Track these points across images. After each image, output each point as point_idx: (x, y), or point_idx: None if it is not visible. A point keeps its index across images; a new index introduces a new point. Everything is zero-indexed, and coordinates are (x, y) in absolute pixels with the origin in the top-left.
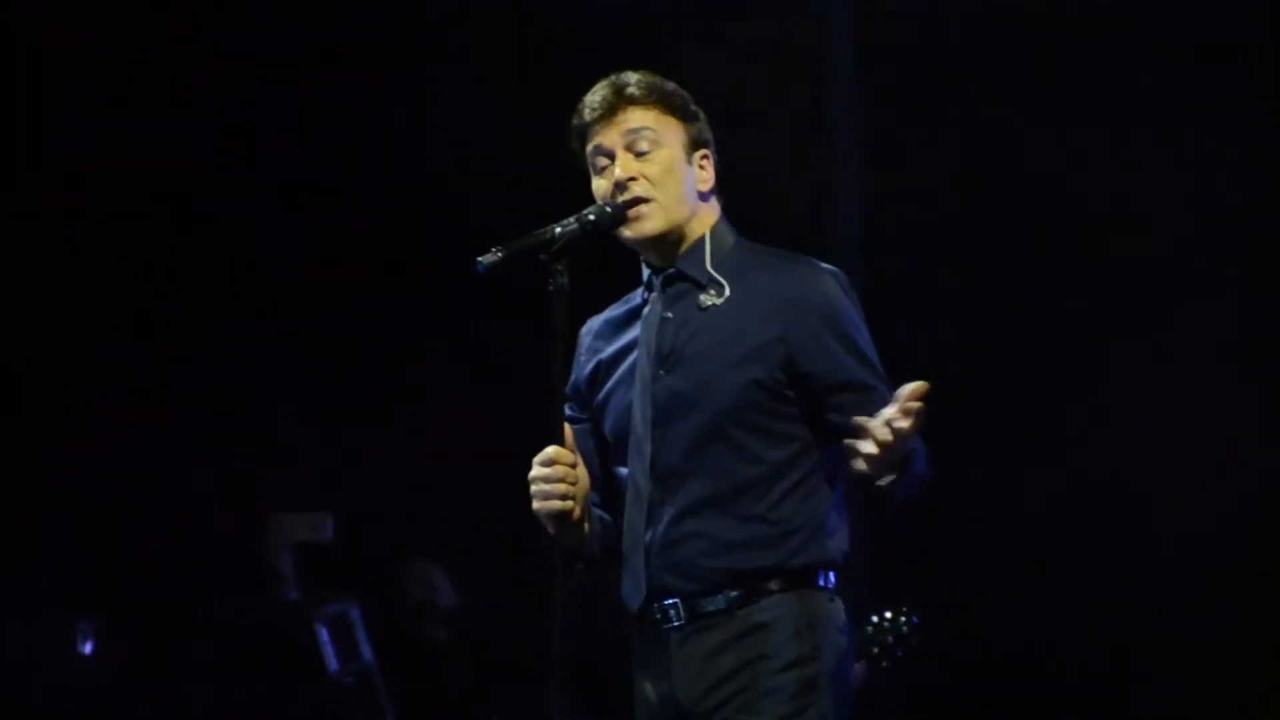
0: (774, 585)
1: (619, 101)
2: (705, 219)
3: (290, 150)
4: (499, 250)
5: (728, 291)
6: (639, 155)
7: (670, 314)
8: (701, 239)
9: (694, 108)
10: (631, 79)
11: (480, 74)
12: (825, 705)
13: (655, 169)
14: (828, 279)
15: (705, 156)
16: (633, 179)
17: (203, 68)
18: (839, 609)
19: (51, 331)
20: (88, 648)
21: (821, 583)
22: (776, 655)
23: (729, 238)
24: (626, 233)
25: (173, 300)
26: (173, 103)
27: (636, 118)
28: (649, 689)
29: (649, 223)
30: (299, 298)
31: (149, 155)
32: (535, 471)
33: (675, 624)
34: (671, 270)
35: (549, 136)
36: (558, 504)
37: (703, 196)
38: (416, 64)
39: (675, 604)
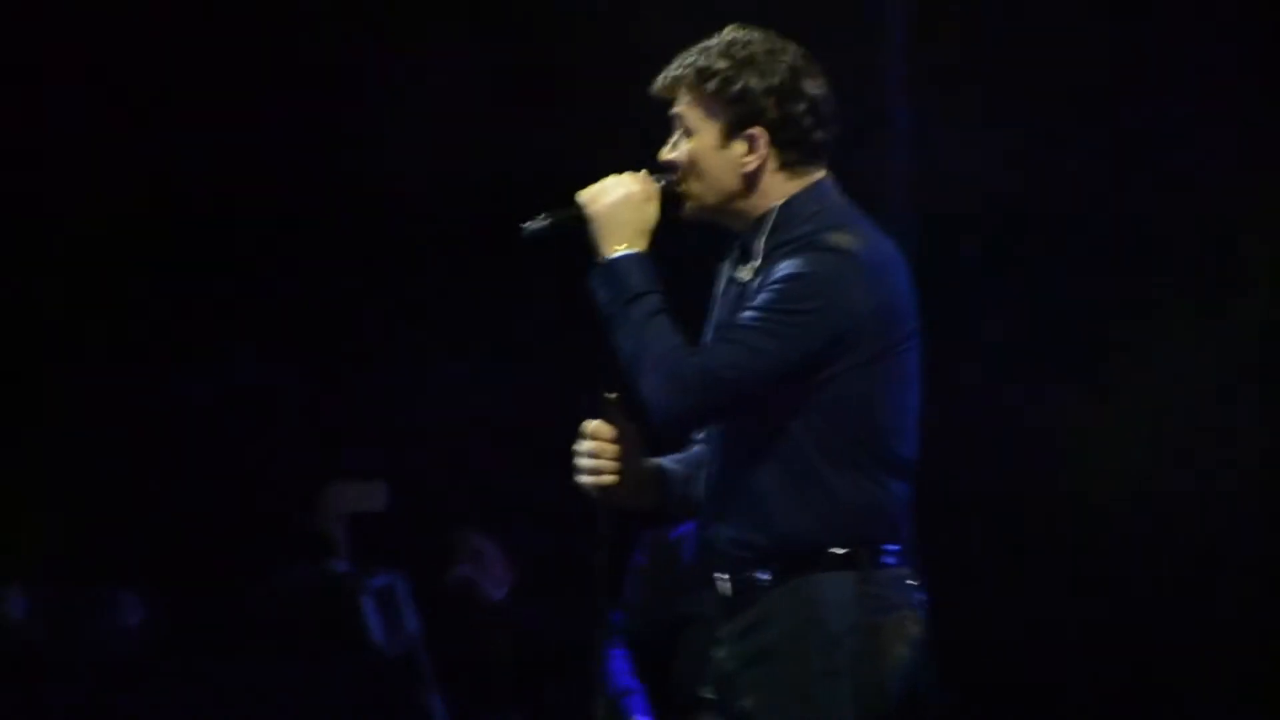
0: (771, 570)
1: (664, 84)
2: (772, 195)
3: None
4: (546, 216)
5: (757, 265)
6: (684, 138)
7: (728, 285)
8: (768, 213)
9: (739, 86)
10: (681, 61)
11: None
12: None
13: (685, 159)
14: (819, 254)
15: (753, 137)
16: (671, 165)
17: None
18: (843, 589)
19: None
20: (134, 619)
21: (827, 562)
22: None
23: (807, 211)
24: None
25: (232, 259)
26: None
27: (677, 104)
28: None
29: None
30: (376, 264)
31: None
32: (578, 445)
33: (724, 595)
34: (739, 241)
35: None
36: (588, 479)
37: (751, 177)
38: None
39: (722, 578)
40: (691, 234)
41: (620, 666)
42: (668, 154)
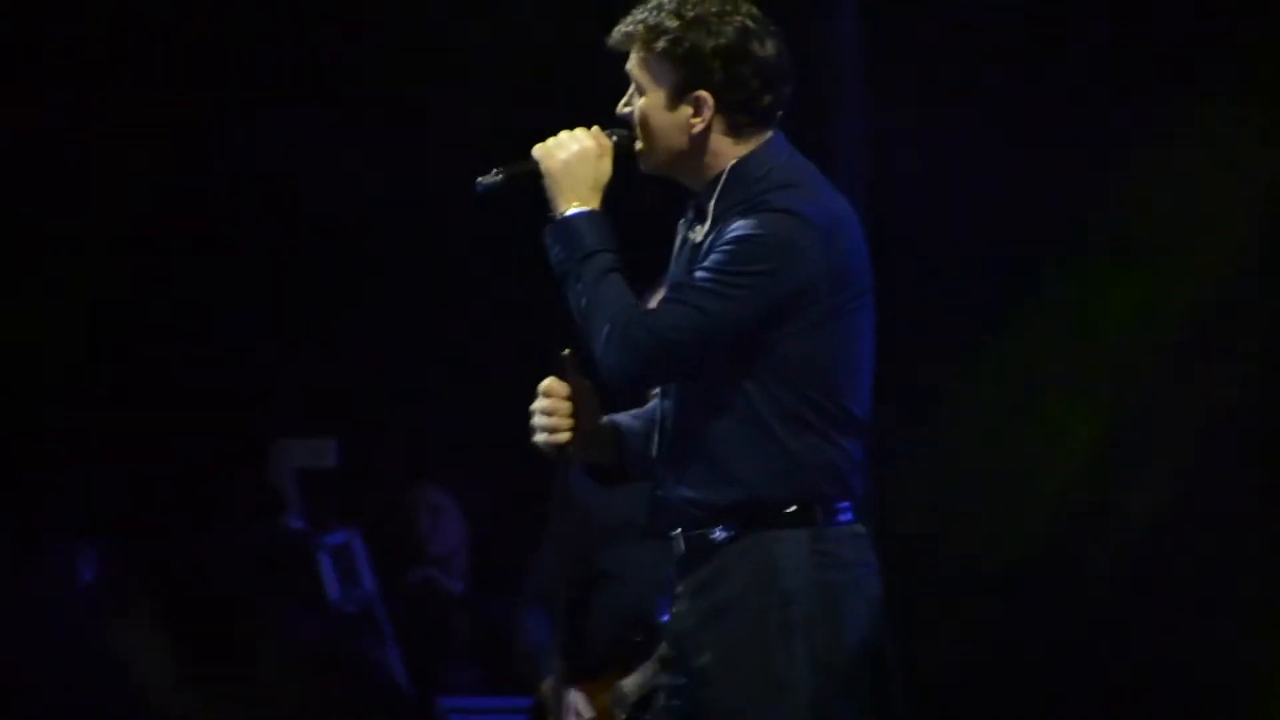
0: (725, 527)
1: (618, 38)
2: (722, 156)
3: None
4: (499, 171)
5: (708, 226)
6: (636, 95)
7: (683, 244)
8: (719, 174)
9: (686, 46)
10: (634, 16)
11: None
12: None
13: (637, 115)
14: (769, 215)
15: (700, 99)
16: (625, 120)
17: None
18: (797, 546)
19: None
20: (87, 575)
21: (781, 520)
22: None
23: (757, 171)
24: None
25: (180, 222)
26: None
27: (630, 59)
28: None
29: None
30: (312, 228)
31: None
32: (534, 404)
33: (679, 553)
34: (694, 200)
35: None
36: (543, 438)
37: (699, 139)
38: None
39: (677, 536)
40: (650, 190)
41: (536, 624)
42: (622, 108)
